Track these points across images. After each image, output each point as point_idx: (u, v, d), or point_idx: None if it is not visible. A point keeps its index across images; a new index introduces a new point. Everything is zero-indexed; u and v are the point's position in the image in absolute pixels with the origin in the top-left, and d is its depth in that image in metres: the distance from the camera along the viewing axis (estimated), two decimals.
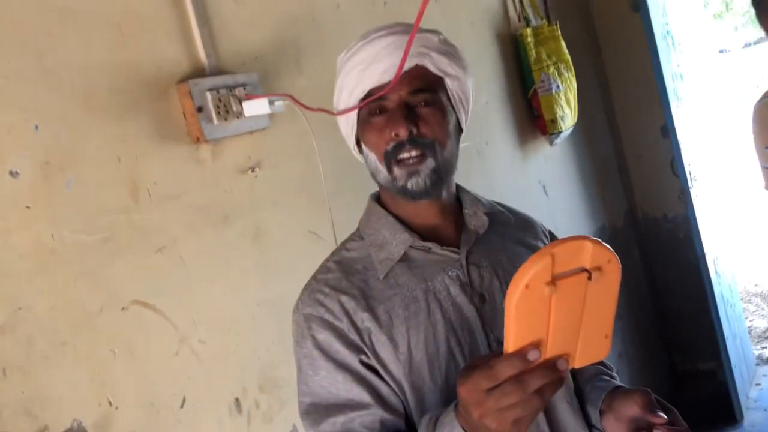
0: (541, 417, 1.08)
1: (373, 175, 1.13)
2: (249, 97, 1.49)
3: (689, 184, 3.29)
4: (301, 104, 1.46)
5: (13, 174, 1.14)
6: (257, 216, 1.54)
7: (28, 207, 1.15)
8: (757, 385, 3.75)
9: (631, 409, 1.03)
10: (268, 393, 1.51)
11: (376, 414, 1.03)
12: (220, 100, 1.45)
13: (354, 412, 1.03)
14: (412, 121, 1.03)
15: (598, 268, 0.75)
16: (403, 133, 1.03)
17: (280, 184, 1.61)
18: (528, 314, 0.75)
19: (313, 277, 1.14)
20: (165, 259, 1.35)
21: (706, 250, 3.32)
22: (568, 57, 2.82)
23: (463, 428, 0.86)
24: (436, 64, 1.07)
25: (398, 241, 1.09)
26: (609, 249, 0.76)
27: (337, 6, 1.90)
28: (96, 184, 1.25)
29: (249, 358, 1.47)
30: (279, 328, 1.55)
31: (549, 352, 0.78)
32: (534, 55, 2.72)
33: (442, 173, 1.07)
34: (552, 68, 2.74)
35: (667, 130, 3.31)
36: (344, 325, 1.05)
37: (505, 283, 1.10)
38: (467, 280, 1.08)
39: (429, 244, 1.09)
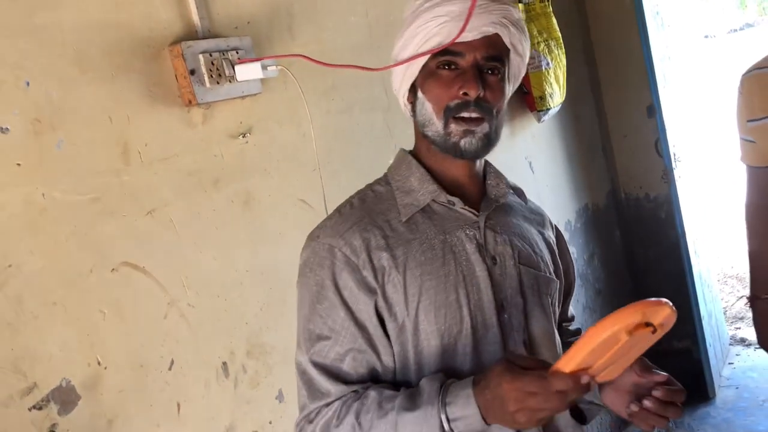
0: None
1: (421, 125, 1.13)
2: (242, 61, 1.48)
3: (673, 165, 3.32)
4: (318, 62, 1.42)
5: (3, 130, 1.12)
6: (247, 182, 1.54)
7: (18, 164, 1.14)
8: (730, 364, 3.84)
9: (630, 377, 1.06)
10: (255, 358, 1.52)
11: (366, 359, 1.06)
12: (212, 64, 1.44)
13: (342, 348, 1.05)
14: (482, 85, 1.06)
15: (662, 325, 0.89)
16: (473, 94, 1.06)
17: (271, 150, 1.60)
18: (597, 349, 0.87)
19: (337, 210, 1.15)
20: (155, 222, 1.34)
21: (686, 230, 3.37)
22: (559, 34, 2.82)
23: (479, 407, 0.93)
24: (511, 37, 1.10)
25: (425, 191, 1.12)
26: (676, 314, 0.89)
27: None
28: (87, 144, 1.24)
29: (237, 324, 1.48)
30: (268, 294, 1.55)
31: (591, 372, 0.91)
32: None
33: (492, 139, 1.11)
34: (542, 45, 2.74)
35: (653, 110, 3.33)
36: (361, 261, 1.06)
37: (517, 252, 1.14)
38: (483, 241, 1.12)
39: (454, 199, 1.12)
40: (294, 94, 1.63)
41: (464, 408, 0.94)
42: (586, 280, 3.18)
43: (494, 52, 1.08)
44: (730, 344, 4.02)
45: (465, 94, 1.06)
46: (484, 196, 1.17)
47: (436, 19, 1.06)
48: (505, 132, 2.72)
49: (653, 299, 0.87)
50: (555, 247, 1.26)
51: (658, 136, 3.35)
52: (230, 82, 1.47)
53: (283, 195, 1.62)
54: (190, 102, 1.42)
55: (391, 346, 1.07)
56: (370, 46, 1.98)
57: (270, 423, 1.53)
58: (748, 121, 1.49)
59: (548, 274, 1.19)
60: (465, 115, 1.07)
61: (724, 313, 4.29)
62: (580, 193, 3.27)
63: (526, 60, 1.17)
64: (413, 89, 1.13)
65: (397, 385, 1.07)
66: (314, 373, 1.05)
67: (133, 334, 1.28)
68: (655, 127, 3.34)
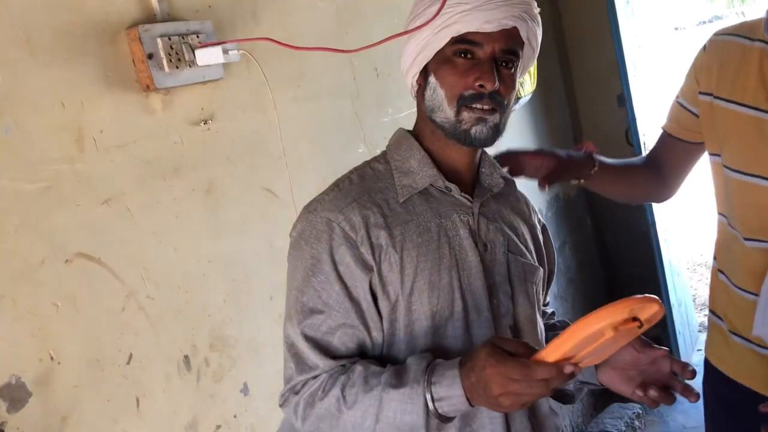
0: None
1: (429, 110, 1.12)
2: (202, 45, 1.43)
3: (643, 154, 3.34)
4: (284, 44, 1.38)
5: None
6: (210, 170, 1.50)
7: None
8: (699, 350, 3.88)
9: (628, 354, 1.08)
10: (218, 351, 1.48)
11: (356, 335, 1.06)
12: (171, 48, 1.39)
13: (334, 322, 1.05)
14: (498, 78, 1.06)
15: (648, 320, 0.91)
16: (489, 87, 1.06)
17: (234, 137, 1.56)
18: (582, 342, 0.89)
19: (336, 185, 1.13)
20: (111, 212, 1.29)
21: (656, 219, 3.39)
22: None
23: (464, 389, 0.95)
24: (528, 32, 1.10)
25: (424, 174, 1.12)
26: (664, 310, 0.92)
27: None
28: (38, 131, 1.19)
29: (199, 316, 1.44)
30: (231, 286, 1.51)
31: (574, 360, 0.93)
32: None
33: (501, 129, 1.12)
34: None
35: (623, 99, 3.34)
36: (359, 237, 1.06)
37: (506, 241, 1.16)
38: (476, 228, 1.13)
39: (451, 186, 1.13)
40: (258, 81, 1.59)
41: (449, 388, 0.96)
42: (558, 269, 3.15)
43: (511, 45, 1.09)
44: (699, 331, 4.07)
45: (481, 86, 1.06)
46: (477, 184, 1.18)
47: (460, 6, 1.05)
48: None
49: (640, 296, 0.89)
50: (540, 237, 1.27)
51: (628, 125, 3.35)
52: (190, 66, 1.42)
53: (248, 184, 1.58)
54: (148, 87, 1.37)
55: (382, 323, 1.08)
56: (337, 32, 1.94)
57: (235, 417, 1.50)
58: (700, 93, 1.43)
59: (534, 263, 1.21)
60: (478, 105, 1.07)
61: (693, 301, 4.34)
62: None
63: (537, 53, 1.17)
64: (424, 72, 1.12)
65: (383, 361, 1.08)
66: (304, 345, 1.06)
67: (89, 328, 1.23)
68: (625, 116, 3.35)
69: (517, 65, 1.11)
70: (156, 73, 1.37)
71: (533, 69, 2.84)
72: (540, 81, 2.93)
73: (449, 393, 0.96)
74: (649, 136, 3.42)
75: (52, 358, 1.16)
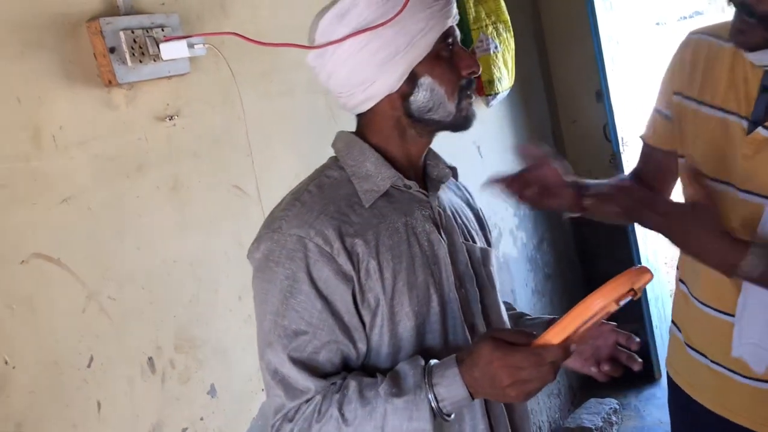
0: None
1: (421, 111, 1.09)
2: (167, 38, 1.39)
3: (621, 150, 3.33)
4: (250, 39, 1.34)
5: None
6: (175, 167, 1.46)
7: None
8: None
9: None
10: (184, 353, 1.45)
11: (341, 350, 1.03)
12: (135, 41, 1.35)
13: (320, 341, 1.02)
14: None
15: (639, 290, 0.94)
16: (478, 71, 1.11)
17: (201, 133, 1.52)
18: (587, 317, 0.93)
19: (295, 199, 1.08)
20: (71, 210, 1.26)
21: None
22: (507, 17, 2.78)
23: (466, 385, 0.95)
24: None
25: (383, 176, 1.10)
26: (653, 276, 0.96)
27: None
28: None
29: (164, 316, 1.41)
30: (198, 285, 1.48)
31: (572, 339, 0.95)
32: (473, 13, 2.67)
33: None
34: (491, 28, 2.70)
35: (600, 94, 3.33)
36: (335, 249, 1.03)
37: (461, 229, 1.17)
38: (438, 220, 1.14)
39: (411, 183, 1.12)
40: (226, 75, 1.55)
41: (451, 388, 0.96)
42: (536, 264, 3.18)
43: None
44: None
45: (473, 72, 1.10)
46: (426, 177, 1.18)
47: (433, 6, 1.05)
48: None
49: (636, 267, 0.94)
50: (483, 221, 1.29)
51: (606, 120, 3.35)
52: (155, 61, 1.39)
53: (215, 181, 1.55)
54: (110, 82, 1.33)
55: (365, 332, 1.06)
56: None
57: (201, 419, 1.47)
58: (675, 94, 1.38)
59: (486, 246, 1.23)
60: (470, 92, 1.11)
61: (670, 296, 4.36)
62: None
63: None
64: (411, 78, 1.08)
65: (366, 369, 1.06)
66: (292, 370, 1.01)
67: (47, 331, 1.20)
68: (603, 111, 3.35)
69: None
70: (118, 67, 1.33)
71: (511, 64, 2.82)
72: (519, 76, 2.91)
73: (452, 392, 0.96)
74: (627, 132, 3.42)
75: (6, 363, 1.13)
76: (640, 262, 3.41)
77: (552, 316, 1.26)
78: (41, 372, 1.18)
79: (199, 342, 1.47)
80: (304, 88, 1.86)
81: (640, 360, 1.09)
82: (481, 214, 1.30)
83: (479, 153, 2.83)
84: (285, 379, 1.01)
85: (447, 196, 1.21)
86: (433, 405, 0.96)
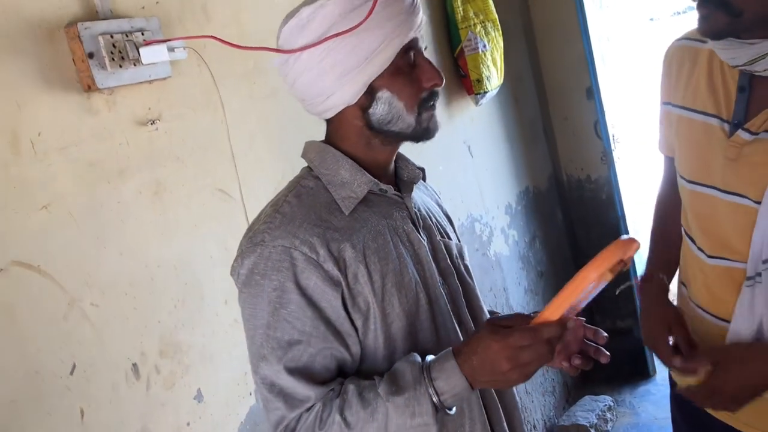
0: None
1: (380, 123, 1.09)
2: (147, 42, 1.38)
3: (612, 147, 3.33)
4: (228, 43, 1.34)
5: None
6: (158, 172, 1.45)
7: None
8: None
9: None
10: (170, 358, 1.44)
11: (335, 355, 1.03)
12: (114, 46, 1.34)
13: (315, 348, 1.02)
14: None
15: (628, 260, 0.95)
16: (441, 84, 1.10)
17: (184, 137, 1.51)
18: (582, 291, 0.94)
19: (276, 211, 1.07)
20: (51, 217, 1.25)
21: (626, 212, 3.39)
22: (496, 16, 2.78)
23: (465, 375, 0.96)
24: None
25: (359, 182, 1.11)
26: (640, 245, 0.96)
27: None
28: None
29: (148, 322, 1.40)
30: (182, 290, 1.48)
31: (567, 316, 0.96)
32: (461, 13, 2.66)
33: None
34: (479, 27, 2.69)
35: (591, 91, 3.33)
36: (321, 256, 1.03)
37: (436, 227, 1.19)
38: (415, 218, 1.15)
39: (386, 187, 1.13)
40: (209, 78, 1.55)
41: (450, 379, 0.97)
42: (528, 262, 3.17)
43: None
44: None
45: (436, 84, 1.09)
46: (398, 179, 1.19)
47: (397, 17, 1.04)
48: (443, 116, 2.69)
49: (624, 238, 0.96)
50: (450, 217, 1.31)
51: (597, 117, 3.35)
52: (135, 65, 1.38)
53: (199, 185, 1.54)
54: (89, 87, 1.32)
55: (358, 336, 1.06)
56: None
57: (188, 425, 1.46)
58: (665, 103, 1.39)
59: (460, 242, 1.25)
60: (432, 103, 1.11)
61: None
62: (521, 176, 3.25)
63: None
64: (369, 91, 1.07)
65: (362, 373, 1.06)
66: (290, 381, 1.00)
67: (28, 339, 1.19)
68: (594, 108, 3.34)
69: None
70: (98, 72, 1.32)
71: (501, 62, 2.81)
72: (509, 74, 2.91)
73: (452, 383, 0.97)
74: (618, 129, 3.42)
75: None
76: (632, 259, 3.40)
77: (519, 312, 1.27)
78: (22, 380, 1.17)
79: (184, 347, 1.47)
80: (288, 89, 1.84)
81: (607, 353, 1.10)
82: (448, 213, 1.32)
83: (470, 152, 2.83)
84: (283, 390, 1.01)
85: (419, 196, 1.23)
86: (434, 399, 0.97)
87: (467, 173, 2.78)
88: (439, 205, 1.30)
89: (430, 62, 1.09)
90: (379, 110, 1.08)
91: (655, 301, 1.45)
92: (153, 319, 1.41)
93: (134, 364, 1.36)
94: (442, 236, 1.20)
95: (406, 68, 1.07)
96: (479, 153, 2.88)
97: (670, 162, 1.47)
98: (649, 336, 1.42)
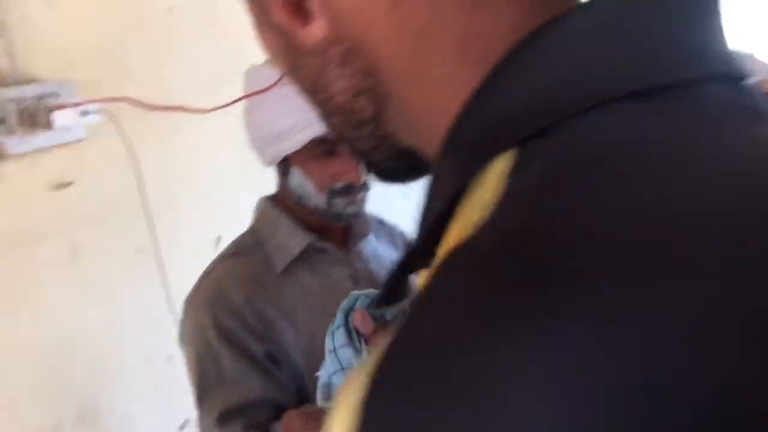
0: None
1: (298, 197, 1.11)
2: (58, 107, 1.39)
3: None
4: (141, 104, 1.36)
5: None
6: (74, 234, 1.44)
7: None
8: None
9: None
10: (90, 424, 1.41)
11: (272, 405, 1.04)
12: (24, 111, 1.34)
13: (254, 395, 1.03)
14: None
15: None
16: (359, 182, 1.08)
17: (101, 199, 1.51)
18: None
19: (209, 271, 1.11)
20: None
21: None
22: None
23: None
24: None
25: (296, 240, 1.11)
26: None
27: (169, 9, 1.81)
28: None
29: (65, 388, 1.38)
30: (101, 354, 1.46)
31: None
32: None
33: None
34: None
35: None
36: (248, 313, 1.04)
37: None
38: (357, 275, 1.15)
39: (325, 245, 1.13)
40: (126, 138, 1.55)
41: None
42: None
43: None
44: None
45: (348, 181, 1.07)
46: (350, 231, 1.19)
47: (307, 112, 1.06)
48: None
49: None
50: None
51: None
52: (47, 130, 1.37)
53: (118, 245, 1.53)
54: (0, 154, 1.31)
55: (292, 384, 1.07)
56: (224, 81, 1.90)
57: None
58: None
59: None
60: (350, 193, 1.09)
61: None
62: None
63: None
64: (285, 162, 1.11)
65: None
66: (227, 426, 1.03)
67: None
68: None
69: None
70: (7, 139, 1.31)
71: None
72: None
73: None
74: None
75: None
76: None
77: None
78: None
79: (105, 411, 1.44)
80: (215, 141, 1.85)
81: None
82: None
83: None
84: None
85: (372, 248, 1.21)
86: None
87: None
88: (399, 249, 1.27)
89: (347, 158, 1.05)
90: (292, 182, 1.11)
91: None
92: (70, 384, 1.39)
93: None
94: None
95: (322, 155, 1.07)
96: None
97: None
98: None
